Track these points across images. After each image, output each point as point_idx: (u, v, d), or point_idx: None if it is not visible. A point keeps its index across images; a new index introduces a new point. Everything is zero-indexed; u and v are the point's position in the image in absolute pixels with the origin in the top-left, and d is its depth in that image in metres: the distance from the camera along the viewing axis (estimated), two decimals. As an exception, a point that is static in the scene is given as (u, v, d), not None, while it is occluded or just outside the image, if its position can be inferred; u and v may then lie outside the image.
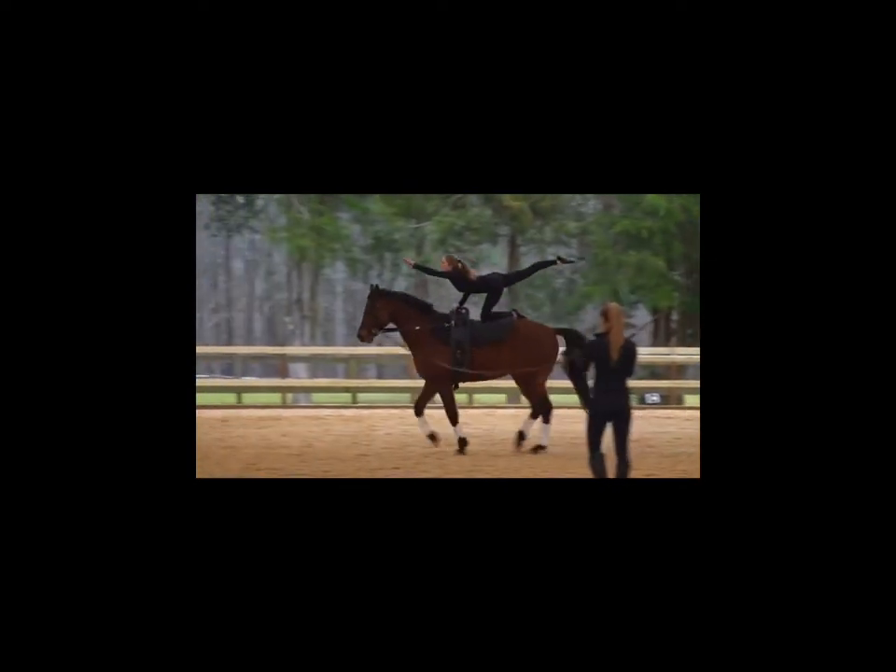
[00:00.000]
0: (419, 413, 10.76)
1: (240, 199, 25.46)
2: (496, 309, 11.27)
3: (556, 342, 10.93)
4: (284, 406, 17.67)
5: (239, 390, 18.47)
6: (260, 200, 25.49)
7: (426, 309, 11.23)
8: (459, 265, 11.23)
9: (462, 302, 11.25)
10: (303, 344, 23.67)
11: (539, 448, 10.54)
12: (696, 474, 5.89)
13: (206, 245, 36.23)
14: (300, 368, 22.79)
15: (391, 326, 11.10)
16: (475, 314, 11.19)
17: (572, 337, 10.99)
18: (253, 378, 21.51)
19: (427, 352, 10.94)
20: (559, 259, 11.66)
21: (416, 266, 12.49)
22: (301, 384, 19.50)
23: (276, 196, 24.14)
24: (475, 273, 11.45)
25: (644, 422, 12.93)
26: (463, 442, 10.59)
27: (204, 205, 26.76)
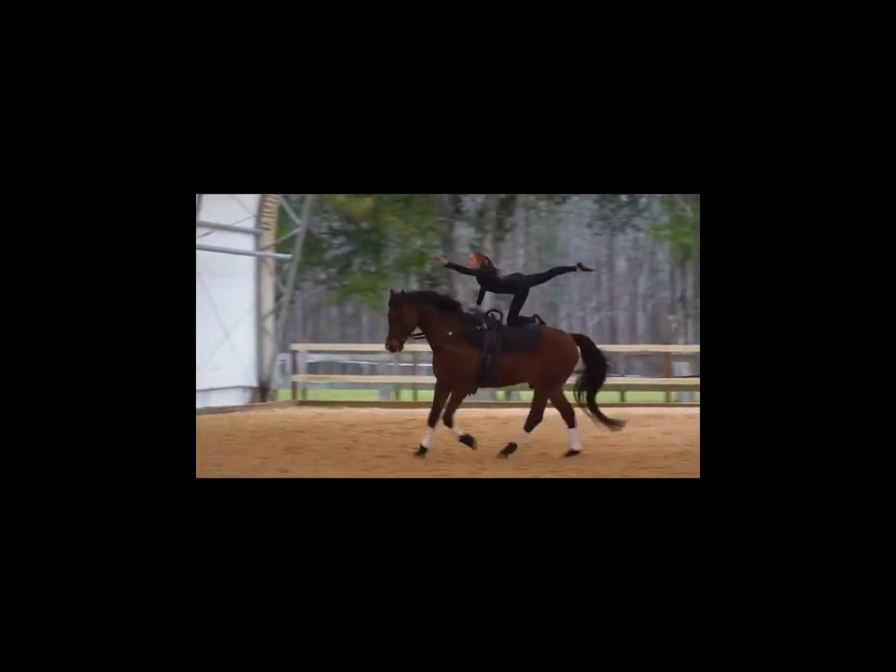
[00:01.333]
0: (449, 422, 10.44)
1: (623, 197, 25.64)
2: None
3: (577, 349, 10.71)
4: (667, 405, 17.55)
5: (622, 388, 18.48)
6: (644, 198, 25.59)
7: (454, 309, 10.73)
8: (486, 262, 10.97)
9: (479, 301, 11.05)
10: (687, 343, 23.76)
11: (572, 453, 10.45)
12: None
13: (589, 244, 36.33)
14: (683, 366, 22.60)
15: (418, 331, 10.61)
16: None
17: (586, 343, 10.87)
18: (636, 376, 21.35)
19: (457, 354, 10.46)
20: (579, 265, 11.34)
21: (449, 265, 12.14)
22: (686, 382, 19.18)
23: (659, 194, 24.18)
24: (501, 272, 11.20)
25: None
26: (423, 450, 10.41)
27: (587, 204, 26.91)
